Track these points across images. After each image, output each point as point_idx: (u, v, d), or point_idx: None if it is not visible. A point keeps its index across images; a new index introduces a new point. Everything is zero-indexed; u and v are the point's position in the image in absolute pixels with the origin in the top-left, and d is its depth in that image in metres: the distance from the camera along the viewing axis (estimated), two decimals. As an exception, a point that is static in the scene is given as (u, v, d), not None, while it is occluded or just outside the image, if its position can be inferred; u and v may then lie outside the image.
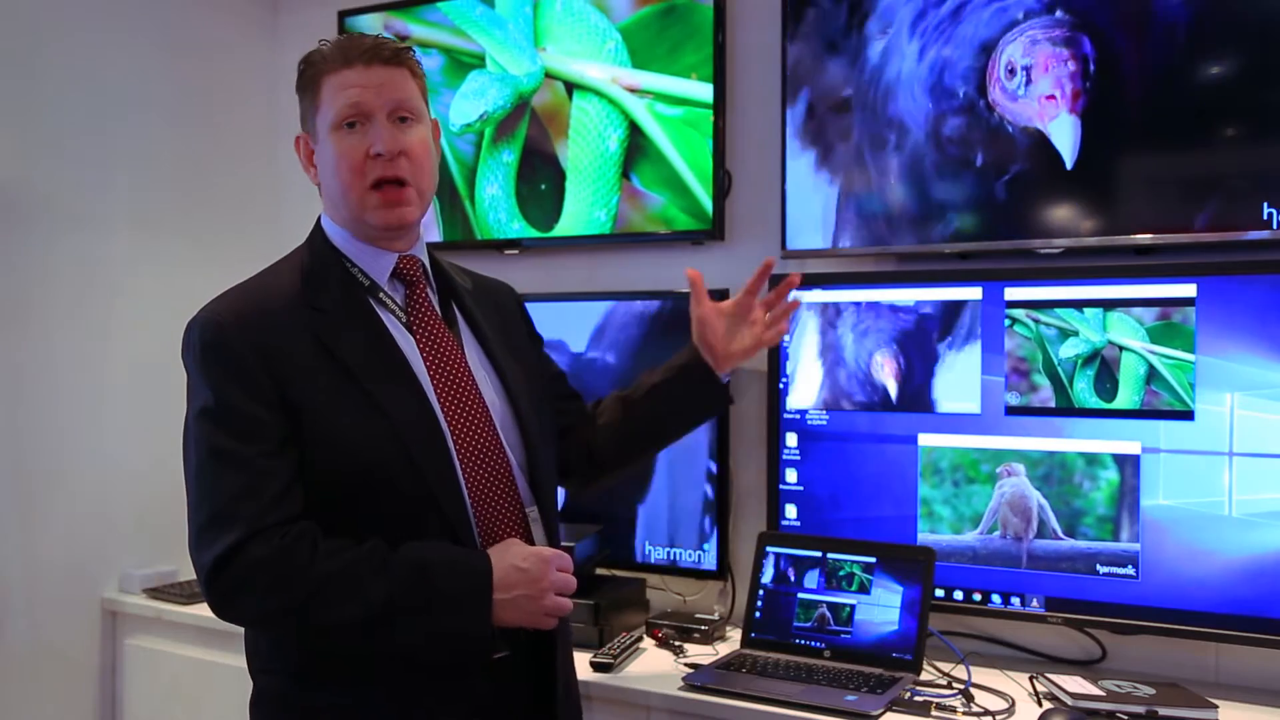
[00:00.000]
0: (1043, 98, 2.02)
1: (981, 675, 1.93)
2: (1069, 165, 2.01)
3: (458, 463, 1.44)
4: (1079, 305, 1.98)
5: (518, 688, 1.49)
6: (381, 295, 1.50)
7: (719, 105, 2.39)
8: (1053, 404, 2.00)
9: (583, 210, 2.56)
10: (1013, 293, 2.04)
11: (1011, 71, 2.01)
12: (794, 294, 1.77)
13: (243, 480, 1.35)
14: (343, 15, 2.89)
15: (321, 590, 1.33)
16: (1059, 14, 2.01)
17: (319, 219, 1.56)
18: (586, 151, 2.55)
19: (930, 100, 2.13)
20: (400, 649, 1.38)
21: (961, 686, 1.85)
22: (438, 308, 1.56)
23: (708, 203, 2.41)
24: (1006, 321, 2.04)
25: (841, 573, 2.03)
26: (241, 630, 1.51)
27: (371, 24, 2.82)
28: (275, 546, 1.33)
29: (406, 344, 1.48)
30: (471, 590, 1.37)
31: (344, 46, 1.49)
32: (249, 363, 1.38)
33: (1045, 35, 2.01)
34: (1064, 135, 2.01)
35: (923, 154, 2.14)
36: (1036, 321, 2.00)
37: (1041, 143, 2.04)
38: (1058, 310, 2.00)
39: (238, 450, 1.36)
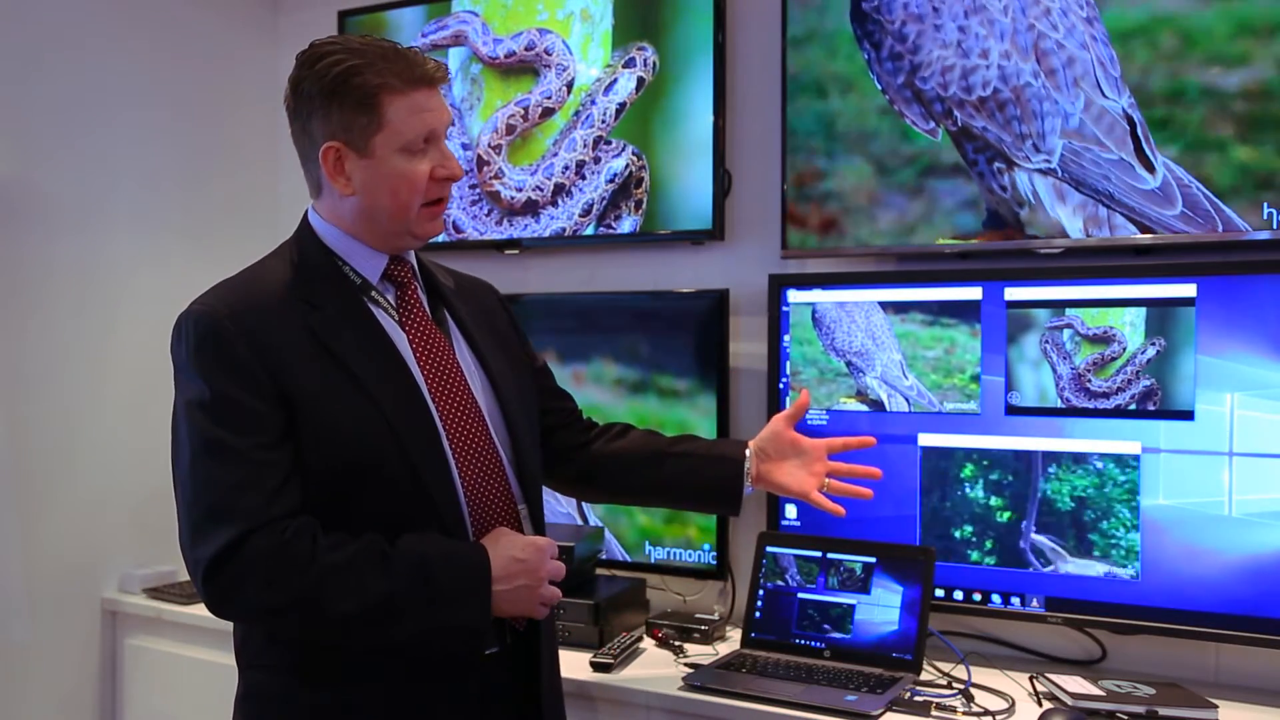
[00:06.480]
0: None
1: (981, 675, 1.93)
2: None
3: (452, 459, 1.45)
4: (1079, 305, 1.98)
5: (507, 684, 1.49)
6: (374, 294, 1.50)
7: (719, 105, 2.39)
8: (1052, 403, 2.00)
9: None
10: (1013, 293, 2.04)
11: None
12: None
13: (240, 474, 1.34)
14: (343, 15, 2.88)
15: (322, 585, 1.33)
16: None
17: (305, 216, 1.55)
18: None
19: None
20: (398, 644, 1.38)
21: (961, 686, 1.85)
22: (427, 308, 1.56)
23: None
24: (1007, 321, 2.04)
25: (841, 573, 2.03)
26: (237, 628, 1.50)
27: (373, 24, 2.82)
28: (276, 541, 1.32)
29: (400, 340, 1.48)
30: (472, 583, 1.38)
31: (400, 65, 1.43)
32: (244, 355, 1.37)
33: None
34: None
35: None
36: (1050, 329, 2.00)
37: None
38: (1065, 311, 2.00)
39: (234, 443, 1.35)
